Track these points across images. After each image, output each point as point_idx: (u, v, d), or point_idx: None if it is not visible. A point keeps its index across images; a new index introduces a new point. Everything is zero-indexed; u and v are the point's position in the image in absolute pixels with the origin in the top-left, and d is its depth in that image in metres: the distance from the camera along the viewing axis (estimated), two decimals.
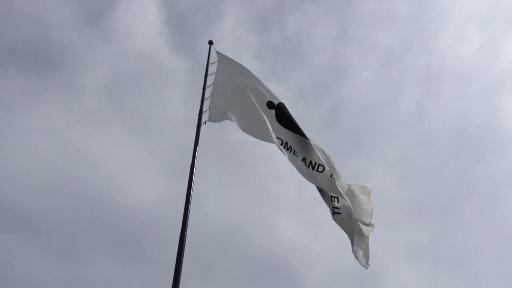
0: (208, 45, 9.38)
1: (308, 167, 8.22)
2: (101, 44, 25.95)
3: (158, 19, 27.92)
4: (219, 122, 8.60)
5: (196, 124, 8.25)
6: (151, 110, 25.09)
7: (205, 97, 8.68)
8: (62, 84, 24.84)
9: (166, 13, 28.53)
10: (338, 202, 8.29)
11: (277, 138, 8.28)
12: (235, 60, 9.25)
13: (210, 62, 9.21)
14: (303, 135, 8.50)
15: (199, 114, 8.38)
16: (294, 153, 8.30)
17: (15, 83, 23.06)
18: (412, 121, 28.18)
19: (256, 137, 8.38)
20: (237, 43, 27.05)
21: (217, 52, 9.26)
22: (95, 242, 19.57)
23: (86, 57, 25.40)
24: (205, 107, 8.55)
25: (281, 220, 23.64)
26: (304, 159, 8.28)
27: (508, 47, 29.64)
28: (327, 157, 8.43)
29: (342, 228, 8.28)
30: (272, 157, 24.84)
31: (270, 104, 8.73)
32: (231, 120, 8.46)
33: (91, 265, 18.88)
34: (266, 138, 8.32)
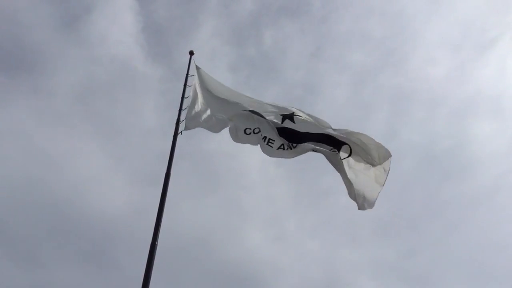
0: (189, 55, 9.43)
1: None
2: (75, 48, 25.63)
3: (134, 26, 27.80)
4: (193, 128, 8.60)
5: (169, 133, 8.23)
6: (123, 117, 24.86)
7: (183, 107, 8.64)
8: (32, 86, 24.37)
9: (142, 20, 28.44)
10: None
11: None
12: (212, 76, 9.33)
13: (188, 72, 9.23)
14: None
15: (176, 124, 8.37)
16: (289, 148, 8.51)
17: None
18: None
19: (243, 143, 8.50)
20: (212, 54, 27.14)
21: (196, 66, 9.31)
22: (59, 248, 19.18)
23: (58, 60, 25.04)
24: (182, 117, 8.53)
25: (250, 232, 23.67)
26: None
27: (476, 72, 30.73)
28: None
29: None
30: (243, 169, 25.06)
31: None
32: (209, 129, 8.51)
33: (54, 272, 18.45)
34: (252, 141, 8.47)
